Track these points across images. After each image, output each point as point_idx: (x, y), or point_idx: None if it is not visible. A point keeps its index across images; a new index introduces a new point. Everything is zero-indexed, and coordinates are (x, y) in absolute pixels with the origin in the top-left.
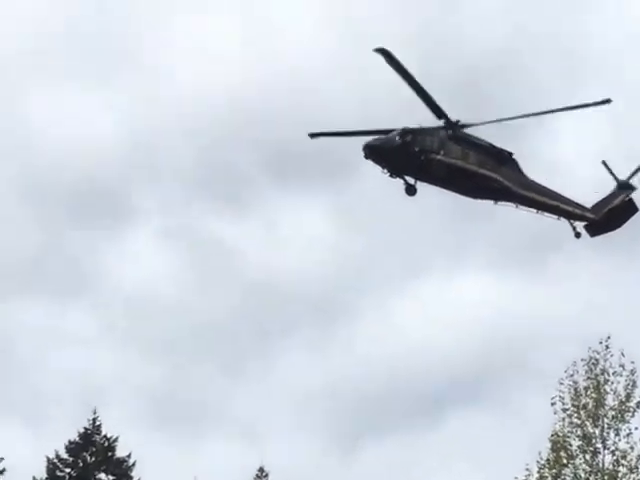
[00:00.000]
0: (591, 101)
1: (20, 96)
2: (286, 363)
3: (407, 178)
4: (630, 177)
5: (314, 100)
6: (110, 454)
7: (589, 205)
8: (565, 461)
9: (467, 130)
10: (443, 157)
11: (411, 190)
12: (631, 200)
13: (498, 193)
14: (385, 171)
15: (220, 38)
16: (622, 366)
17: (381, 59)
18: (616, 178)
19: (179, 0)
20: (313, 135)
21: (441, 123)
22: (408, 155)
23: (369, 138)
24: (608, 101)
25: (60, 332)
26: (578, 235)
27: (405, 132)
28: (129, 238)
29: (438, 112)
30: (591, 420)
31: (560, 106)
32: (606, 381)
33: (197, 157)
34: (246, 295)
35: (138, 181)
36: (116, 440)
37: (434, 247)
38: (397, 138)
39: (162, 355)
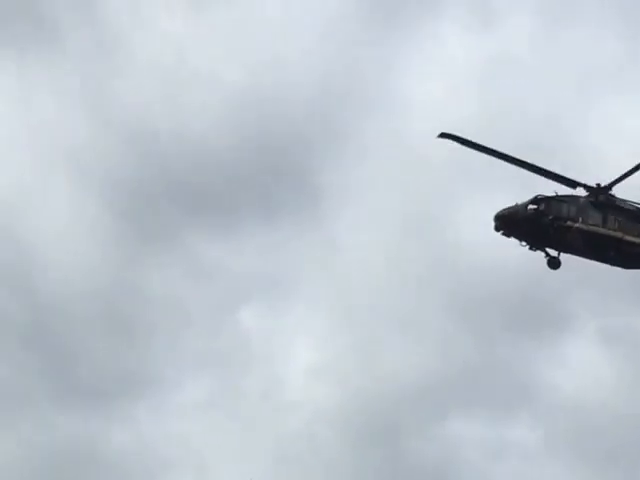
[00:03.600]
0: None
1: None
2: None
3: (548, 250)
4: None
5: None
6: None
7: None
8: None
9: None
10: (581, 225)
11: (554, 263)
12: None
13: None
14: (523, 243)
15: None
16: None
17: None
18: None
19: None
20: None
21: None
22: (542, 225)
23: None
24: None
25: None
26: None
27: (538, 200)
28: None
29: (568, 183)
30: None
31: None
32: None
33: None
34: None
35: None
36: None
37: None
38: (529, 207)
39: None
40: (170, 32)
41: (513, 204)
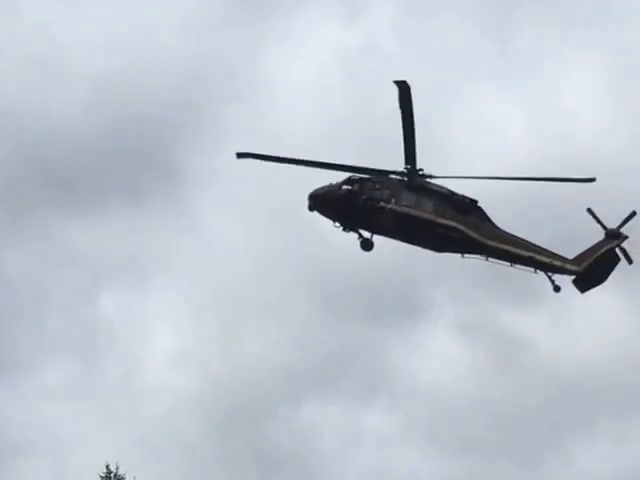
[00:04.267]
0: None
1: None
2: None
3: (361, 231)
4: (621, 225)
5: None
6: None
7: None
8: None
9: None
10: (394, 206)
11: (367, 244)
12: (614, 249)
13: (462, 245)
14: (337, 224)
15: None
16: None
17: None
18: (604, 226)
19: None
20: (240, 155)
21: (401, 169)
22: (355, 205)
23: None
24: (592, 180)
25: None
26: (557, 289)
27: (351, 180)
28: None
29: (411, 157)
30: None
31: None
32: None
33: None
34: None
35: None
36: None
37: None
38: (342, 187)
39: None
40: (32, 15)
41: (327, 184)
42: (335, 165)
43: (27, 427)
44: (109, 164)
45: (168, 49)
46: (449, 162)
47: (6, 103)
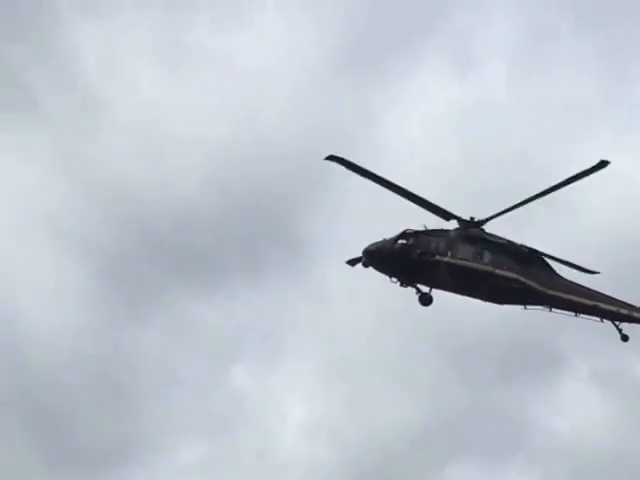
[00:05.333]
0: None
1: None
2: None
3: (419, 286)
4: None
5: None
6: None
7: None
8: None
9: (485, 227)
10: (450, 259)
11: (425, 299)
12: None
13: (523, 296)
14: (394, 279)
15: None
16: None
17: None
18: None
19: None
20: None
21: (454, 223)
22: (410, 260)
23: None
24: (605, 163)
25: None
26: (625, 338)
27: (406, 234)
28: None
29: (443, 214)
30: None
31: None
32: None
33: None
34: None
35: None
36: None
37: None
38: (397, 241)
39: None
40: (148, 94)
41: (381, 239)
42: (412, 195)
43: None
44: (230, 237)
45: (282, 120)
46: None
47: (124, 185)
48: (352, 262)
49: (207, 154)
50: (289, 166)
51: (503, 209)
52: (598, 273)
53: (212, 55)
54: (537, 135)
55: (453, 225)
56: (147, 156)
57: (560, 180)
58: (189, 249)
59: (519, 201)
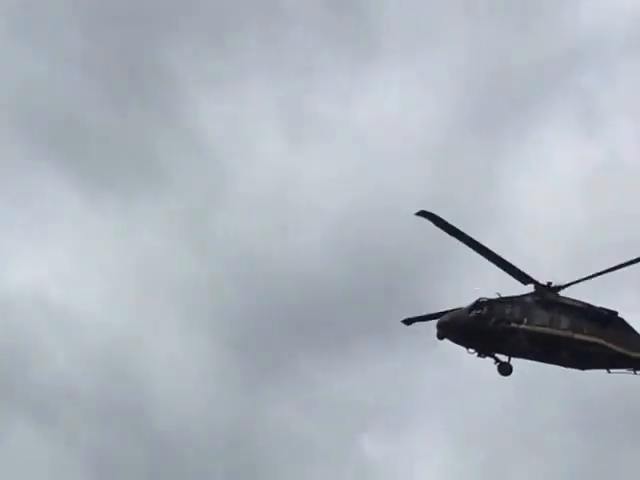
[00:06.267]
0: None
1: None
2: None
3: (497, 355)
4: None
5: None
6: None
7: None
8: None
9: (562, 292)
10: (527, 326)
11: (505, 369)
12: None
13: (606, 359)
14: (471, 350)
15: None
16: None
17: None
18: None
19: None
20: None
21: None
22: (486, 329)
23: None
24: None
25: None
26: None
27: (480, 303)
28: None
29: (520, 277)
30: None
31: None
32: None
33: None
34: None
35: None
36: None
37: None
38: (470, 311)
39: None
40: (272, 162)
41: (455, 309)
42: (494, 255)
43: None
44: (357, 305)
45: (405, 187)
46: None
47: (250, 253)
48: (408, 322)
49: (332, 222)
50: (414, 233)
51: (586, 276)
52: None
53: (332, 123)
54: None
55: (529, 289)
56: (271, 223)
57: None
58: (316, 316)
59: (602, 269)
